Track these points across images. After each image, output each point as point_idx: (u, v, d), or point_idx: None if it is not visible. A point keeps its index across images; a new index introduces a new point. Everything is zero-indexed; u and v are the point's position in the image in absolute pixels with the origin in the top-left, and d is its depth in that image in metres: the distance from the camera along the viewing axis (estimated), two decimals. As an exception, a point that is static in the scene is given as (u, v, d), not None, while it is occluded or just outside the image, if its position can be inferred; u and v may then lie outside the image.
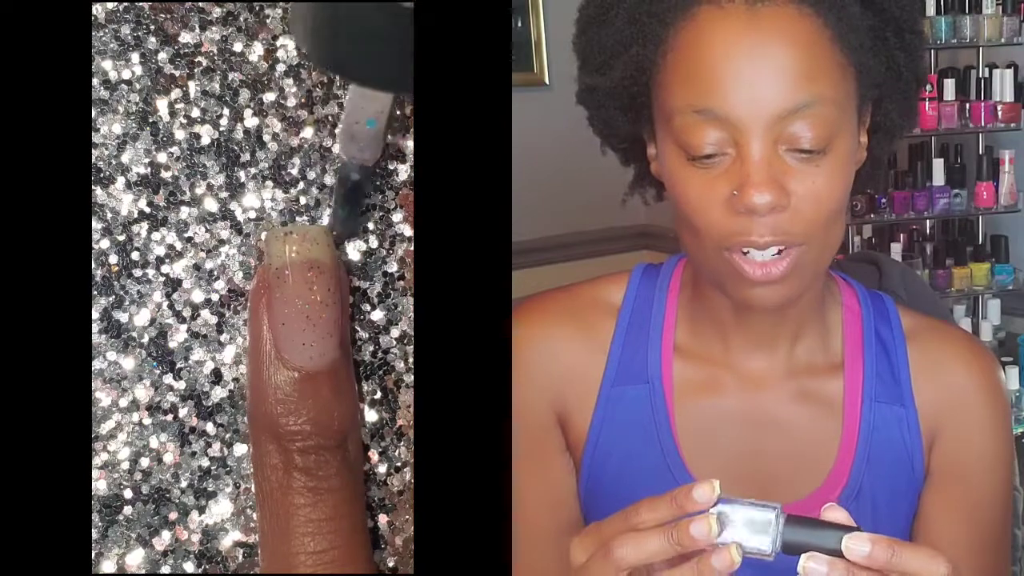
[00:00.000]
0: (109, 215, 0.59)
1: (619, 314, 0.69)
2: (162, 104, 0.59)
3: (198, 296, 0.60)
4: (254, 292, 0.57)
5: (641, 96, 0.61)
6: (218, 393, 0.60)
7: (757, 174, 0.56)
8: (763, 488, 0.66)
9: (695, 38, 0.57)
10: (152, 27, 0.59)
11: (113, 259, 0.59)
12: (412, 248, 0.62)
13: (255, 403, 0.57)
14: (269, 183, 0.60)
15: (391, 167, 0.61)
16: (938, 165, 2.38)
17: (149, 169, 0.59)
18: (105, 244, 0.59)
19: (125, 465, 0.60)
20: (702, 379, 0.67)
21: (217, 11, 0.60)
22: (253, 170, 0.60)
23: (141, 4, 0.59)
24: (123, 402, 0.60)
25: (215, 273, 0.60)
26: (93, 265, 0.59)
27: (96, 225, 0.59)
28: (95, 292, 0.59)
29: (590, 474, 0.68)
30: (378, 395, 0.61)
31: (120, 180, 0.59)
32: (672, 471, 0.66)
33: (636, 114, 0.63)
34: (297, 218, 0.60)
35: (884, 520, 0.66)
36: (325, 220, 0.61)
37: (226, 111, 0.60)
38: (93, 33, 0.58)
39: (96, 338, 0.59)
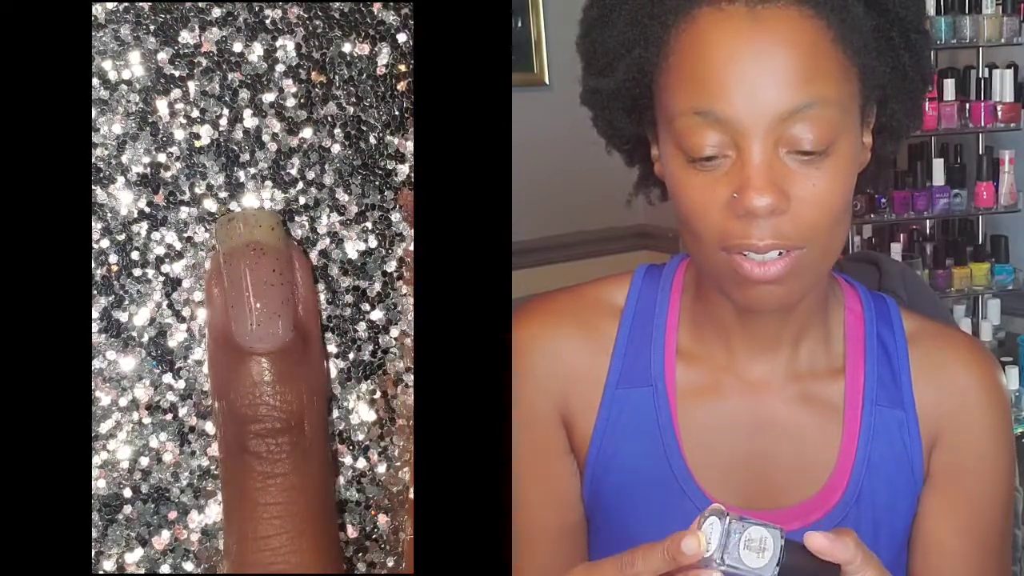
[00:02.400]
0: (109, 215, 0.59)
1: (622, 316, 0.69)
2: (162, 104, 0.59)
3: (198, 296, 0.60)
4: (208, 277, 0.58)
5: (643, 98, 0.61)
6: (218, 393, 0.60)
7: (757, 177, 0.56)
8: (765, 491, 0.67)
9: (696, 40, 0.57)
10: (152, 27, 0.59)
11: (113, 259, 0.59)
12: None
13: (212, 386, 0.58)
14: (268, 183, 0.60)
15: (391, 167, 0.61)
16: (938, 165, 2.38)
17: (149, 169, 0.59)
18: (105, 244, 0.59)
19: (124, 464, 0.60)
20: (705, 382, 0.67)
21: (217, 11, 0.60)
22: (252, 170, 0.60)
23: (141, 4, 0.59)
24: (123, 401, 0.60)
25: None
26: (93, 265, 0.59)
27: (96, 225, 0.59)
28: (95, 292, 0.59)
29: (594, 476, 0.68)
30: (378, 395, 0.61)
31: (120, 180, 0.59)
32: (675, 474, 0.66)
33: (639, 116, 0.63)
34: (296, 217, 0.61)
35: (884, 523, 0.66)
36: (324, 220, 0.61)
37: (225, 111, 0.60)
38: (93, 33, 0.58)
39: (96, 337, 0.59)
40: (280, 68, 0.60)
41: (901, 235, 2.47)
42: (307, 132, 0.60)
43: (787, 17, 0.56)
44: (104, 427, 0.59)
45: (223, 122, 0.60)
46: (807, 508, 0.66)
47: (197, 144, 0.60)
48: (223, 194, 0.60)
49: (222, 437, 0.57)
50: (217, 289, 0.57)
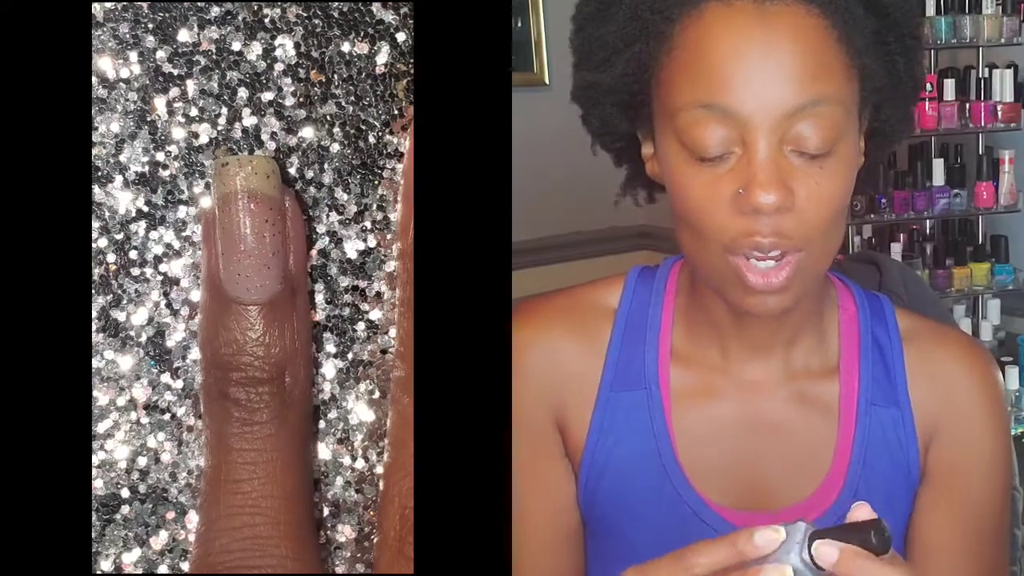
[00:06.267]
0: (107, 214, 0.59)
1: (615, 318, 0.69)
2: (160, 103, 0.59)
3: (196, 295, 0.60)
4: (204, 219, 0.58)
5: (640, 94, 0.61)
6: (216, 393, 0.60)
7: (763, 173, 0.55)
8: (760, 492, 0.66)
9: (702, 35, 0.56)
10: (151, 25, 0.59)
11: (111, 258, 0.59)
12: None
13: (200, 331, 0.58)
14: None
15: (391, 167, 0.61)
16: (938, 165, 2.38)
17: (147, 168, 0.59)
18: (103, 243, 0.59)
19: (122, 464, 0.60)
20: (699, 384, 0.67)
21: (215, 10, 0.60)
22: (252, 169, 0.60)
23: (140, 3, 0.59)
24: (121, 401, 0.60)
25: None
26: (92, 264, 0.59)
27: (94, 224, 0.59)
28: (93, 291, 0.59)
29: (589, 479, 0.68)
30: (377, 395, 0.61)
31: (118, 179, 0.59)
32: (670, 476, 0.66)
33: (634, 112, 0.63)
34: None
35: (882, 522, 0.66)
36: (323, 219, 0.61)
37: (224, 110, 0.60)
38: (92, 32, 0.58)
39: (94, 337, 0.59)
40: (279, 67, 0.60)
41: (901, 235, 2.48)
42: (306, 131, 0.60)
43: (794, 14, 0.56)
44: (102, 427, 0.59)
45: (222, 121, 0.60)
46: (803, 509, 0.66)
47: (196, 143, 0.60)
48: (222, 193, 0.60)
49: (204, 381, 0.57)
50: (212, 233, 0.56)
